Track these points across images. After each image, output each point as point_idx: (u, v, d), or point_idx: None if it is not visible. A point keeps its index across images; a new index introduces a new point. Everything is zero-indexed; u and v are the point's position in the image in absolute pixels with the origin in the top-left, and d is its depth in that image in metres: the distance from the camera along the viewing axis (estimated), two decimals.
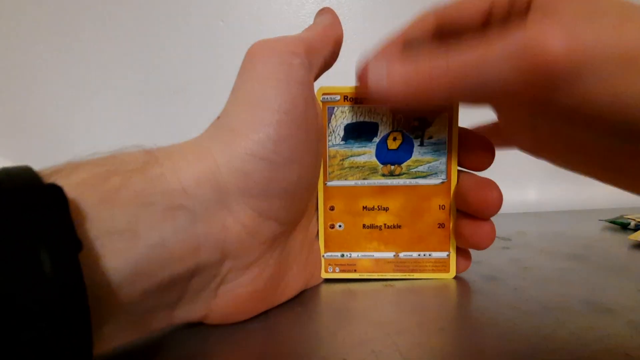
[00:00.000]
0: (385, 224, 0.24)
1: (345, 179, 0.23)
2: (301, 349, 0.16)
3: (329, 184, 0.23)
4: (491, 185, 0.21)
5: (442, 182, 0.23)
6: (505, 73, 0.16)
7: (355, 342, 0.17)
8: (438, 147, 0.23)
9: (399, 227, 0.24)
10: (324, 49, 0.21)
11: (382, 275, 0.24)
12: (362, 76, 0.20)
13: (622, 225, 0.38)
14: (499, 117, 0.23)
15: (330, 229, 0.24)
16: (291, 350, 0.16)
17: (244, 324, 0.19)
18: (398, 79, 0.19)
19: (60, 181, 0.11)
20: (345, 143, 0.23)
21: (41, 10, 0.46)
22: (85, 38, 0.46)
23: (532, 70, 0.15)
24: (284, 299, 0.21)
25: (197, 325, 0.18)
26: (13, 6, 0.45)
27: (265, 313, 0.20)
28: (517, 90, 0.16)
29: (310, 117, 0.19)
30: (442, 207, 0.23)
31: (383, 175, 0.23)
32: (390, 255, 0.24)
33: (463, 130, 0.23)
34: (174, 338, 0.18)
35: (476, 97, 0.18)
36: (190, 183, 0.15)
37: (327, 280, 0.24)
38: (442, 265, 0.24)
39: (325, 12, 0.22)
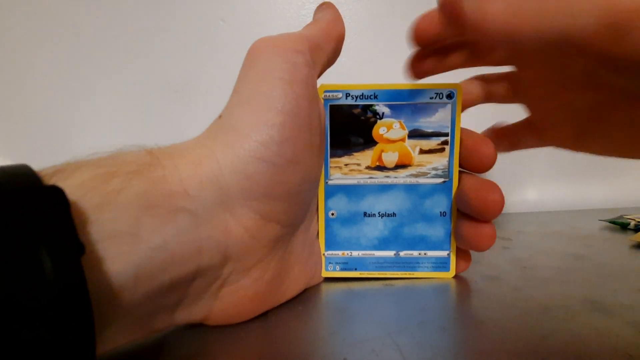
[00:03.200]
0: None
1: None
2: (301, 349, 0.16)
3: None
4: (493, 187, 0.21)
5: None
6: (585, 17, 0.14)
7: (355, 341, 0.17)
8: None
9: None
10: (327, 46, 0.20)
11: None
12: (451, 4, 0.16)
13: (621, 226, 0.38)
14: (533, 113, 0.23)
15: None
16: (291, 350, 0.16)
17: (243, 323, 0.19)
18: (499, 9, 0.16)
19: (61, 183, 0.11)
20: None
21: (41, 9, 0.46)
22: (85, 37, 0.46)
23: (607, 13, 0.14)
24: (284, 299, 0.21)
25: (197, 325, 0.18)
26: (13, 6, 0.45)
27: (265, 312, 0.20)
28: (591, 35, 0.14)
29: (313, 117, 0.19)
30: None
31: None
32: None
33: (465, 132, 0.23)
34: (174, 338, 0.18)
35: (552, 45, 0.16)
36: (192, 185, 0.15)
37: (328, 280, 0.24)
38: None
39: (326, 7, 0.22)
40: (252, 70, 0.18)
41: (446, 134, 0.23)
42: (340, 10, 0.22)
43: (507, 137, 0.25)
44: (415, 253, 0.24)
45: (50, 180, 0.12)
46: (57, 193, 0.11)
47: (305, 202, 0.20)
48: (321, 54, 0.20)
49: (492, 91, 0.23)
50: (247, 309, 0.19)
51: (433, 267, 0.24)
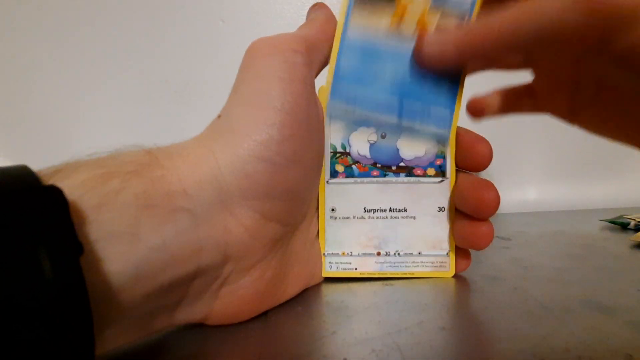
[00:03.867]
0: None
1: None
2: (301, 349, 0.16)
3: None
4: (488, 186, 0.21)
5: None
6: (563, 17, 0.15)
7: (355, 341, 0.17)
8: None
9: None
10: (323, 46, 0.21)
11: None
12: (418, 46, 0.20)
13: (621, 225, 0.38)
14: (536, 79, 0.22)
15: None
16: (291, 350, 0.16)
17: (244, 323, 0.19)
18: (451, 40, 0.19)
19: (59, 183, 0.11)
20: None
21: (40, 9, 0.46)
22: (85, 38, 0.46)
23: (593, 12, 0.14)
24: (284, 299, 0.21)
25: (197, 325, 0.18)
26: (14, 6, 0.45)
27: (265, 312, 0.20)
28: (576, 34, 0.15)
29: (312, 116, 0.19)
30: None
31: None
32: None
33: (461, 130, 0.23)
34: (174, 338, 0.18)
35: (530, 45, 0.17)
36: (191, 185, 0.15)
37: (328, 279, 0.24)
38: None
39: (318, 7, 0.22)
40: (250, 70, 0.18)
41: (466, 10, 0.21)
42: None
43: (505, 99, 0.24)
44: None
45: (49, 181, 0.12)
46: (55, 193, 0.11)
47: (305, 202, 0.20)
48: (318, 54, 0.20)
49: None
50: (247, 308, 0.19)
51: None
